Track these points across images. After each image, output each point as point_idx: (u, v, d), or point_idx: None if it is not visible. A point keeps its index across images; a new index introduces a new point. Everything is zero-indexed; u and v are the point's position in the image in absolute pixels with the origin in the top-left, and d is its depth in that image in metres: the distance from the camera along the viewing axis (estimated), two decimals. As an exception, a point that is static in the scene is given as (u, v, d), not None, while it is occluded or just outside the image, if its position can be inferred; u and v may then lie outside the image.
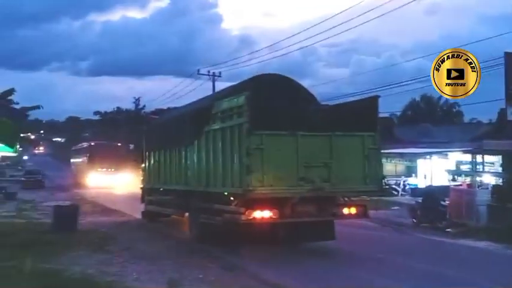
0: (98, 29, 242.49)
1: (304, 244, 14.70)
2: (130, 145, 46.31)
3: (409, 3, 28.59)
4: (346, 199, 13.94)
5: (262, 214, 12.47)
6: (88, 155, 48.61)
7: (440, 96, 63.72)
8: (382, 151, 33.54)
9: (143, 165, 21.21)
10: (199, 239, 14.96)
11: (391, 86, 36.28)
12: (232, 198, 13.27)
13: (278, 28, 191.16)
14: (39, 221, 20.32)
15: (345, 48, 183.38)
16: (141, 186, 21.92)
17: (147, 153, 20.51)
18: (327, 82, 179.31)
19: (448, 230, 18.03)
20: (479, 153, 26.80)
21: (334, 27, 39.66)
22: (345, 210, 13.59)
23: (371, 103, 13.96)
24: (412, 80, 50.10)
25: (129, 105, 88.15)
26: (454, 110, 65.18)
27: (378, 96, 14.21)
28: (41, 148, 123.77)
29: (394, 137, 45.35)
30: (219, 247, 13.99)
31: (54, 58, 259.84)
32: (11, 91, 42.80)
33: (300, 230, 13.76)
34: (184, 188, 16.21)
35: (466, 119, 63.94)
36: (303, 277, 11.10)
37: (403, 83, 42.90)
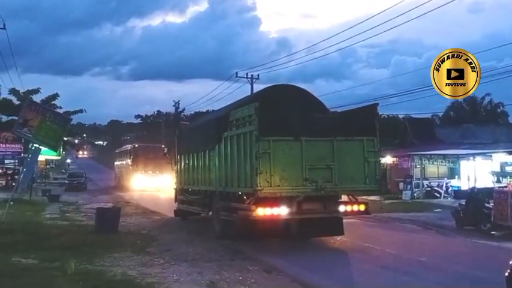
0: (138, 34, 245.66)
1: (342, 245, 15.21)
2: (165, 149, 45.57)
3: (451, 1, 28.14)
4: (350, 197, 15.24)
5: (272, 211, 13.90)
6: (132, 157, 47.49)
7: (484, 96, 62.76)
8: (424, 153, 33.48)
9: (175, 167, 22.56)
10: (221, 234, 16.21)
11: (432, 87, 35.68)
12: (245, 197, 14.77)
13: (317, 29, 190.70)
14: (82, 223, 20.70)
15: (385, 49, 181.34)
16: (175, 187, 23.11)
17: (178, 156, 22.05)
18: (366, 83, 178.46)
19: (493, 232, 17.60)
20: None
21: (373, 27, 39.30)
22: (348, 208, 14.90)
23: (370, 110, 15.37)
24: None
25: (169, 108, 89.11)
26: (499, 110, 63.78)
27: (377, 104, 15.63)
28: (85, 152, 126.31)
29: (436, 138, 44.71)
30: (257, 249, 14.18)
31: (96, 63, 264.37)
32: (54, 96, 43.91)
33: (310, 226, 14.94)
34: (208, 189, 17.85)
35: (511, 119, 62.56)
36: (345, 281, 10.99)
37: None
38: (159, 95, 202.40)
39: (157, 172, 44.06)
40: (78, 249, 13.63)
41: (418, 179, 33.42)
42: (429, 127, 49.92)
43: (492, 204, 18.77)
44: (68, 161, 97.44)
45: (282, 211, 13.98)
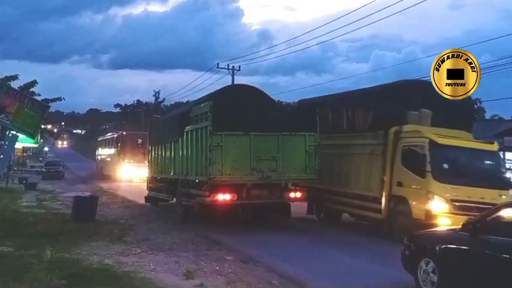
0: (119, 23, 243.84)
1: (320, 235, 15.84)
2: (138, 140, 42.64)
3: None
4: (296, 186, 16.89)
5: (224, 197, 15.80)
6: (119, 145, 44.41)
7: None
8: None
9: (148, 157, 24.92)
10: (182, 218, 18.00)
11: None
12: (201, 185, 16.62)
13: (299, 22, 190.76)
14: (59, 212, 20.53)
15: (365, 43, 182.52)
16: (147, 176, 25.19)
17: (150, 147, 24.22)
18: (346, 77, 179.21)
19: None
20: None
21: (354, 21, 39.43)
22: (291, 194, 16.74)
23: (312, 109, 17.27)
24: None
25: (149, 98, 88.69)
26: (476, 106, 64.41)
27: (317, 105, 17.55)
28: (64, 142, 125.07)
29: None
30: (234, 239, 14.31)
31: (76, 51, 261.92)
32: (33, 83, 43.17)
33: (260, 210, 17.43)
34: (173, 177, 19.96)
35: (488, 115, 63.29)
36: (320, 271, 11.06)
37: (424, 79, 42.53)
38: (139, 85, 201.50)
39: (146, 162, 40.06)
40: (55, 237, 13.56)
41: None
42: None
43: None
44: (46, 149, 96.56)
45: (233, 197, 15.87)
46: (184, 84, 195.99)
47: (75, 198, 18.85)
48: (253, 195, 16.20)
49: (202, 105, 17.26)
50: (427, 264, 8.73)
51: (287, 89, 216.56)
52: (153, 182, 23.60)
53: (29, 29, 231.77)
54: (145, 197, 23.89)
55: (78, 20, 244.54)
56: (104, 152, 52.31)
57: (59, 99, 43.82)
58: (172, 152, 19.71)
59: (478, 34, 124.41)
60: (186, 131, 17.79)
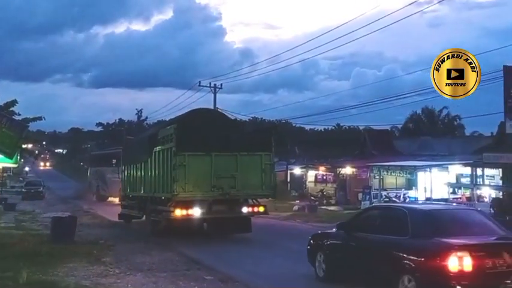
0: (101, 42, 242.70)
1: (297, 254, 15.18)
2: (113, 160, 41.43)
3: (411, 15, 28.72)
4: (254, 201, 18.27)
5: (187, 212, 17.08)
6: None
7: (442, 109, 64.09)
8: (383, 164, 34.15)
9: (121, 176, 26.21)
10: (151, 233, 19.09)
11: (391, 99, 36.48)
12: (166, 201, 17.95)
13: (281, 40, 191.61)
14: (38, 232, 20.30)
15: (346, 61, 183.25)
16: (120, 193, 26.57)
17: (123, 167, 25.70)
18: (328, 94, 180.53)
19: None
20: (479, 166, 26.82)
21: (335, 39, 39.79)
22: (250, 209, 18.09)
23: (268, 132, 19.97)
24: (411, 92, 49.90)
25: (131, 116, 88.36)
26: (456, 123, 65.13)
27: (274, 127, 20.25)
28: (47, 163, 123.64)
29: (394, 150, 45.40)
30: (213, 259, 14.28)
31: (57, 70, 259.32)
32: (13, 102, 42.78)
33: (223, 224, 18.29)
34: (143, 194, 21.24)
35: (468, 131, 63.81)
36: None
37: (404, 96, 43.24)
38: (121, 103, 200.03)
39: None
40: (32, 258, 13.37)
41: (377, 190, 33.83)
42: (388, 139, 50.67)
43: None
44: (26, 169, 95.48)
45: (195, 212, 17.17)
46: (167, 103, 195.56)
47: (53, 218, 18.63)
48: (215, 210, 17.58)
49: (168, 127, 18.68)
50: (320, 256, 11.35)
51: (270, 107, 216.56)
52: (125, 199, 24.84)
53: (10, 48, 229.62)
54: (119, 214, 24.62)
55: (60, 39, 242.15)
56: (102, 169, 46.94)
57: (39, 118, 43.20)
58: (142, 171, 21.02)
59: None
60: (154, 152, 19.05)
